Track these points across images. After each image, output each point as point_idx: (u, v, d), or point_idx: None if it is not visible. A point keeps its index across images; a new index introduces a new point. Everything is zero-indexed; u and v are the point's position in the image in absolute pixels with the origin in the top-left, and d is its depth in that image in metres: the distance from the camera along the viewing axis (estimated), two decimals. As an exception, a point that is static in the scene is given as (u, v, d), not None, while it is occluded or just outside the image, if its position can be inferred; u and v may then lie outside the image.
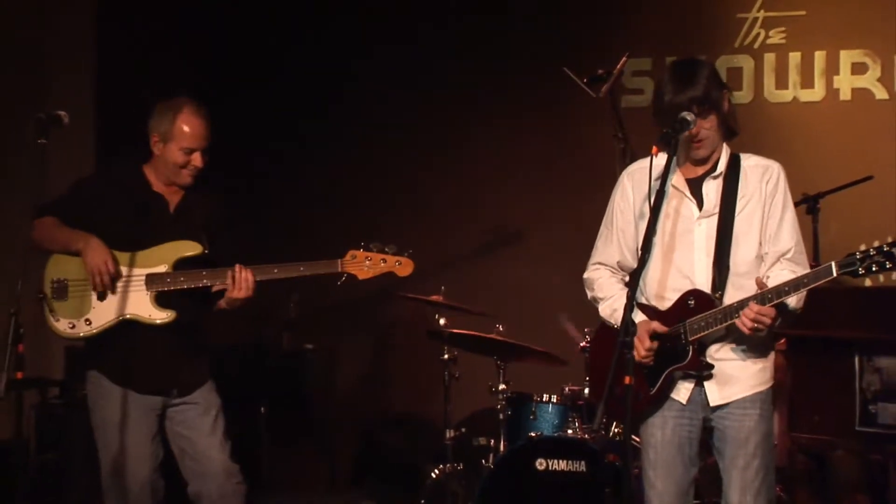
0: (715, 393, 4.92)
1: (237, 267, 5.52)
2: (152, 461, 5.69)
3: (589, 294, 5.23)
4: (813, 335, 5.81)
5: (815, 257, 6.87)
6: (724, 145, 5.01)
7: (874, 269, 4.61)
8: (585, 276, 5.25)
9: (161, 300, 5.59)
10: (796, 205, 6.20)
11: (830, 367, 5.72)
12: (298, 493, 5.70)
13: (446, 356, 7.01)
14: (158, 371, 5.66)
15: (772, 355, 5.01)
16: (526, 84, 8.29)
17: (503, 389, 6.84)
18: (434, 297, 7.04)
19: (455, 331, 6.90)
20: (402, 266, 5.60)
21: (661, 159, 4.84)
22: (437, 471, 7.04)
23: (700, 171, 4.99)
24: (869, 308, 5.81)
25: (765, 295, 4.71)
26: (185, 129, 5.63)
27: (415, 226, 8.33)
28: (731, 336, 4.91)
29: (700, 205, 4.94)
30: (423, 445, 7.98)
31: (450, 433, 6.99)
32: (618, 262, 5.16)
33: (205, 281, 5.58)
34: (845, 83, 7.89)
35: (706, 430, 5.01)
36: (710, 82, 4.90)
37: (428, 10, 8.48)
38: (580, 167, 8.03)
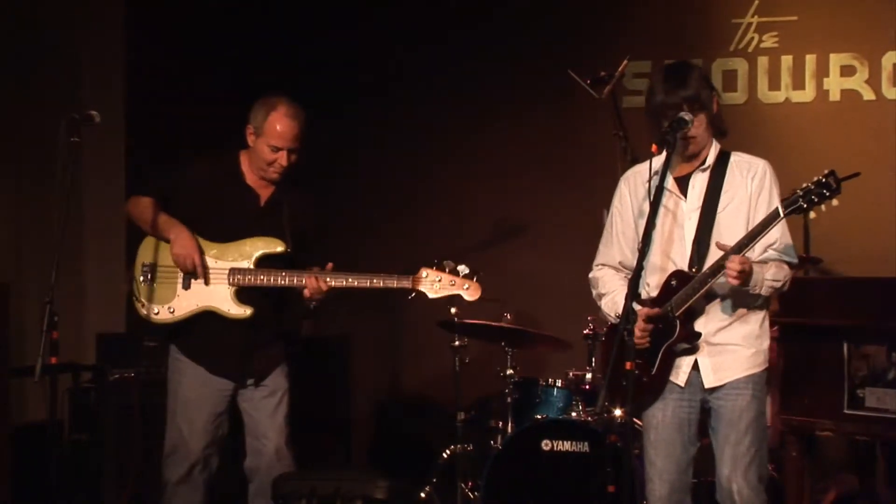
0: (710, 375, 4.96)
1: (308, 275, 5.50)
2: (209, 437, 5.73)
3: (594, 292, 5.28)
4: (804, 323, 5.81)
5: (805, 250, 6.86)
6: (714, 143, 5.02)
7: (815, 199, 4.70)
8: (591, 276, 5.30)
9: (241, 294, 5.59)
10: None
11: (820, 354, 5.72)
12: (316, 472, 5.70)
13: (457, 343, 7.00)
14: (232, 358, 5.70)
15: (767, 342, 5.05)
16: (533, 85, 8.28)
17: (511, 374, 6.85)
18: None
19: (466, 321, 6.90)
20: (470, 290, 5.51)
21: (659, 157, 4.86)
22: (448, 451, 7.04)
23: (689, 168, 5.01)
24: (857, 297, 5.81)
25: (729, 250, 4.76)
26: (276, 127, 5.60)
27: (426, 220, 8.33)
28: (727, 322, 4.94)
29: (686, 198, 4.96)
30: (434, 427, 7.96)
31: (460, 415, 6.98)
32: (620, 262, 5.21)
33: (283, 281, 5.54)
34: (835, 85, 7.87)
35: (704, 411, 5.04)
36: (700, 83, 4.92)
37: (437, 14, 8.46)
38: (583, 164, 8.02)
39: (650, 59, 7.87)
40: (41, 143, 6.91)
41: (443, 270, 5.49)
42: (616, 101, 7.13)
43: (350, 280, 5.54)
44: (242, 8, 8.49)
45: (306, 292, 5.51)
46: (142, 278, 5.67)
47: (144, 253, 5.71)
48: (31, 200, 7.61)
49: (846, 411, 5.64)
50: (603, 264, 5.25)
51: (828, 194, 4.68)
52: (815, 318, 5.78)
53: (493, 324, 6.91)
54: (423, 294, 5.52)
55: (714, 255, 4.87)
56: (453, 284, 5.49)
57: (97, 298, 8.03)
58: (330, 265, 5.56)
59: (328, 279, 5.51)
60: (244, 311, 5.60)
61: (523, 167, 8.30)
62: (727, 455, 4.94)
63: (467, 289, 5.50)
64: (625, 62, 7.13)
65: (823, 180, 4.68)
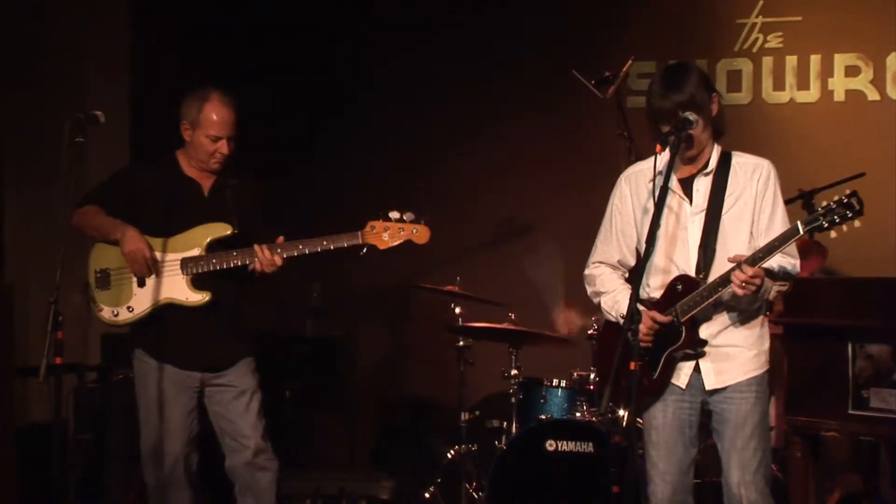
0: (711, 377, 4.94)
1: (257, 247, 5.49)
2: (185, 435, 5.72)
3: (589, 290, 5.25)
4: (808, 323, 5.80)
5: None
6: (715, 144, 5.00)
7: (836, 220, 4.68)
8: (586, 273, 5.27)
9: (197, 283, 5.59)
10: (792, 200, 6.22)
11: (825, 354, 5.71)
12: (321, 472, 5.70)
13: (461, 343, 7.01)
14: (195, 347, 5.67)
15: (767, 343, 5.03)
16: (537, 85, 8.28)
17: (515, 375, 6.85)
18: (449, 288, 7.04)
19: (470, 324, 6.90)
20: (419, 233, 5.51)
21: (663, 157, 4.85)
22: (452, 451, 7.05)
23: (692, 170, 4.99)
24: (862, 298, 5.80)
25: (744, 261, 4.72)
26: (213, 117, 5.62)
27: (431, 220, 8.31)
28: (727, 324, 4.93)
29: (691, 201, 4.95)
30: (439, 427, 7.98)
31: (464, 416, 7.00)
32: (618, 261, 5.19)
33: (235, 261, 5.54)
34: (839, 85, 7.86)
35: (705, 413, 5.03)
36: (697, 87, 4.88)
37: (442, 12, 8.45)
38: (587, 164, 8.01)
39: (654, 59, 7.87)
40: (46, 143, 6.92)
41: (388, 220, 5.49)
42: (620, 102, 7.13)
43: (300, 247, 5.52)
44: (246, 7, 8.49)
45: (257, 264, 5.51)
46: (96, 284, 5.67)
47: (95, 259, 5.70)
48: (35, 200, 7.63)
49: (851, 412, 5.63)
50: (600, 262, 5.22)
51: (850, 215, 4.66)
52: (820, 318, 5.77)
53: (497, 325, 6.91)
54: (374, 246, 5.50)
55: (721, 261, 4.86)
56: (402, 231, 5.49)
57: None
58: (281, 238, 5.55)
59: (279, 250, 5.51)
60: (203, 297, 5.59)
61: (528, 167, 8.30)
62: (735, 460, 4.92)
63: (416, 233, 5.50)
64: (629, 62, 7.13)
65: (846, 200, 4.66)
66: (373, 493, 5.61)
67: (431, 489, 7.09)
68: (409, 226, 5.50)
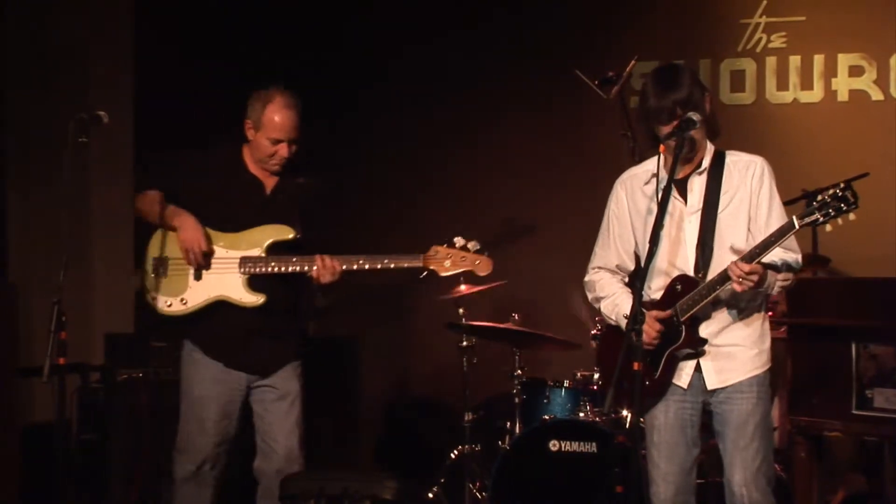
0: (713, 377, 4.95)
1: (319, 257, 5.45)
2: (220, 436, 5.70)
3: (590, 295, 5.28)
4: (812, 323, 5.80)
5: (813, 249, 6.85)
6: (709, 144, 5.01)
7: (832, 213, 4.65)
8: (586, 279, 5.29)
9: (253, 283, 5.55)
10: (795, 200, 6.21)
11: (828, 354, 5.71)
12: (324, 472, 5.69)
13: (465, 343, 7.00)
14: (243, 348, 5.65)
15: (768, 342, 5.03)
16: (540, 85, 8.28)
17: (518, 375, 6.85)
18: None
19: (473, 323, 6.90)
20: (481, 265, 5.47)
21: (654, 160, 4.88)
22: (455, 451, 7.04)
23: (687, 170, 5.00)
24: (865, 298, 5.80)
25: (742, 258, 4.73)
26: (275, 120, 5.57)
27: (431, 221, 8.31)
28: (728, 323, 4.93)
29: (686, 201, 4.95)
30: (442, 427, 7.97)
31: (468, 416, 6.99)
32: (617, 265, 5.21)
33: (294, 266, 5.51)
34: (843, 85, 7.85)
35: (706, 413, 5.03)
36: (692, 85, 4.90)
37: (442, 13, 8.45)
38: (591, 164, 8.00)
39: (658, 59, 7.83)
40: (49, 144, 6.92)
41: (452, 247, 5.46)
42: (624, 102, 7.13)
43: (361, 262, 5.50)
44: (250, 7, 8.49)
45: (314, 273, 5.48)
46: (152, 272, 5.64)
47: (154, 247, 5.68)
48: (39, 201, 7.63)
49: (854, 412, 5.63)
50: (599, 267, 5.25)
51: (845, 208, 4.64)
52: (824, 318, 5.77)
53: (500, 325, 6.91)
54: (435, 272, 5.48)
55: (719, 260, 4.87)
56: (464, 260, 5.45)
57: (105, 298, 8.03)
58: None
59: (340, 262, 5.48)
60: (257, 299, 5.57)
61: (530, 168, 8.30)
62: (737, 460, 4.93)
63: (478, 264, 5.47)
64: (632, 62, 7.13)
65: (840, 194, 4.64)
66: (376, 493, 5.59)
67: (435, 489, 7.09)
68: (472, 256, 5.47)
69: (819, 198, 4.67)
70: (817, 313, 5.78)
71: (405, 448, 8.41)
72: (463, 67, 8.46)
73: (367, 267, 5.52)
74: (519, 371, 6.86)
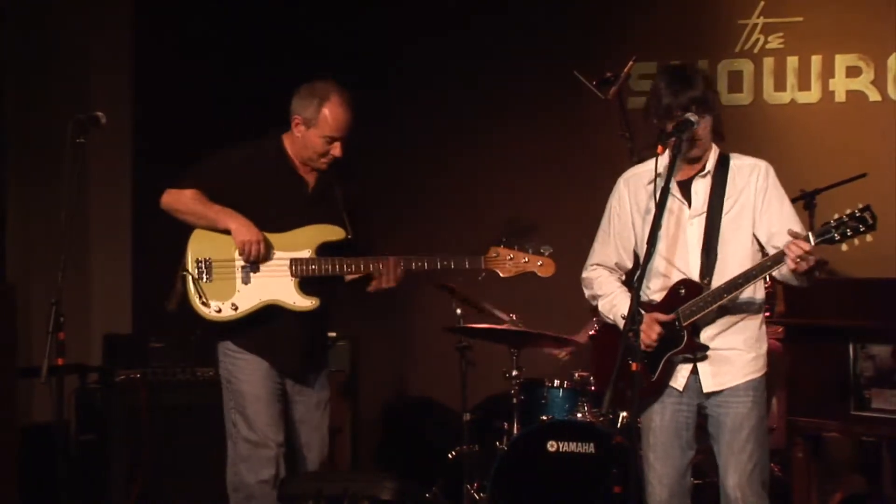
0: (709, 380, 4.93)
1: (392, 259, 5.31)
2: (283, 433, 5.47)
3: (587, 292, 5.23)
4: (810, 324, 5.80)
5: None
6: (714, 146, 4.99)
7: (848, 233, 4.60)
8: (584, 275, 5.25)
9: (305, 285, 5.36)
10: (794, 201, 6.20)
11: (827, 354, 5.71)
12: (323, 472, 5.67)
13: (463, 344, 6.99)
14: (295, 354, 5.47)
15: (765, 346, 5.01)
16: (538, 86, 8.28)
17: (516, 375, 6.83)
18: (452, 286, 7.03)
19: (472, 325, 6.89)
20: (544, 266, 5.35)
21: (662, 159, 4.84)
22: (454, 452, 7.03)
23: (691, 172, 4.97)
24: (863, 298, 5.80)
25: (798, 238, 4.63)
26: (332, 118, 5.36)
27: (432, 221, 8.31)
28: (726, 327, 4.91)
29: (690, 204, 4.93)
30: (441, 428, 7.97)
31: (466, 416, 6.98)
32: (616, 263, 5.18)
33: (349, 267, 5.34)
34: (840, 86, 7.85)
35: (702, 415, 5.02)
36: (706, 85, 4.89)
37: (444, 12, 8.45)
38: (589, 164, 8.00)
39: (656, 59, 7.85)
40: (48, 145, 6.92)
41: (512, 248, 5.33)
42: (622, 102, 7.12)
43: (419, 263, 5.34)
44: (249, 7, 8.48)
45: (376, 282, 5.33)
46: (199, 274, 5.39)
47: (196, 247, 5.40)
48: (37, 202, 7.63)
49: (853, 412, 5.63)
50: (598, 264, 5.20)
51: (863, 229, 4.58)
52: (822, 318, 5.77)
53: (498, 326, 6.90)
54: (496, 273, 5.35)
55: (723, 265, 4.84)
56: (526, 262, 5.33)
57: (104, 299, 8.03)
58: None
59: (401, 264, 5.32)
60: (311, 303, 5.36)
61: (529, 168, 8.29)
62: (731, 464, 4.91)
63: (541, 265, 5.34)
64: (631, 63, 7.12)
65: (858, 214, 4.58)
66: (375, 493, 5.56)
67: (433, 490, 7.10)
68: (534, 257, 5.35)
69: (836, 216, 4.59)
70: (816, 314, 5.77)
71: (404, 448, 8.40)
72: (461, 68, 8.46)
73: (425, 267, 5.36)
74: (517, 371, 6.84)
